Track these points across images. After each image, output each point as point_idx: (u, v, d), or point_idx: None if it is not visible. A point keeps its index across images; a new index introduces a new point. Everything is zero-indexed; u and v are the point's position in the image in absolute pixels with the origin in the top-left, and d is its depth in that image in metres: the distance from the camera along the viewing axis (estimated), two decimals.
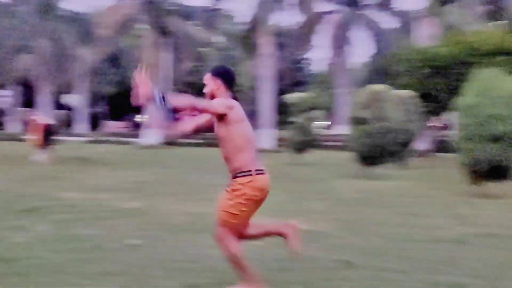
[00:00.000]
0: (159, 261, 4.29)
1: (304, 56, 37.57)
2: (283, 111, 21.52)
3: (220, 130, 3.40)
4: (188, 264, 4.24)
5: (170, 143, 20.95)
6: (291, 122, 13.83)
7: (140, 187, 8.86)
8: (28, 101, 33.54)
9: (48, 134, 13.23)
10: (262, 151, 17.10)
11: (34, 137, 13.32)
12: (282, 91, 20.80)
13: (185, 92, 31.52)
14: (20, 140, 24.31)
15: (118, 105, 39.19)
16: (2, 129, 32.11)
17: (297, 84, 32.96)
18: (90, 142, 23.06)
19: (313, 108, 13.96)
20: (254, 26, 17.87)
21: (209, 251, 4.65)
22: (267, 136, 18.08)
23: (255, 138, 3.58)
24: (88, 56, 23.95)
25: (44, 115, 13.59)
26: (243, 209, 3.35)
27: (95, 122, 35.17)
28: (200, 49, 29.05)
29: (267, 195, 3.43)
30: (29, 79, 28.18)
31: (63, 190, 8.37)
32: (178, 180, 10.10)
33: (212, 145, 20.81)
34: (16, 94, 31.69)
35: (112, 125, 37.21)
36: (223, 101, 3.37)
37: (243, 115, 3.45)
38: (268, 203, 7.34)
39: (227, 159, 3.42)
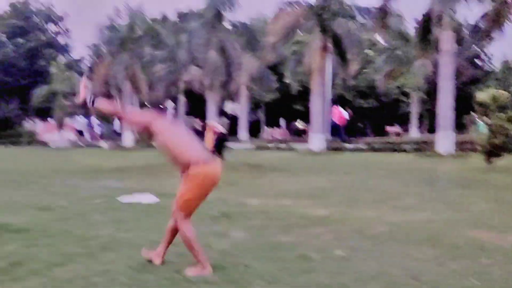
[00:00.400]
0: (372, 275, 4.01)
1: (484, 51, 34.70)
2: (461, 112, 20.01)
3: (155, 139, 4.02)
4: (406, 279, 3.90)
5: (334, 148, 20.76)
6: (480, 123, 12.62)
7: (321, 194, 8.72)
8: (192, 110, 36.18)
9: (221, 141, 13.87)
10: (440, 155, 16.08)
11: (208, 144, 14.05)
12: (459, 90, 19.29)
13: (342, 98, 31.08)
14: None
15: (276, 111, 40.22)
16: None
17: (475, 82, 30.50)
18: (253, 148, 23.86)
19: (504, 107, 12.59)
20: (431, 21, 16.79)
21: (426, 266, 4.26)
22: (446, 139, 16.81)
23: (190, 136, 4.09)
24: (251, 64, 24.94)
25: (218, 123, 14.29)
26: (195, 193, 3.98)
27: (254, 129, 36.52)
28: (366, 51, 28.53)
29: (217, 182, 4.03)
30: (194, 89, 30.34)
31: (246, 196, 8.58)
32: (358, 186, 9.77)
33: (377, 150, 20.23)
34: (181, 104, 34.34)
35: (271, 132, 38.24)
36: (143, 113, 4.15)
37: (169, 123, 4.07)
38: (469, 212, 6.57)
39: (172, 163, 4.05)
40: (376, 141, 23.70)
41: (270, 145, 24.99)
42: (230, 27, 24.24)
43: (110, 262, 4.56)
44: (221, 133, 14.01)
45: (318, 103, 20.18)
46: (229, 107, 38.93)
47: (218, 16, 22.52)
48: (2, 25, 37.83)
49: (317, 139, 20.16)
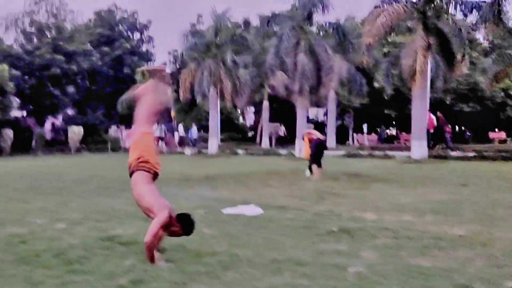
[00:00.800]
0: None
1: None
2: None
3: None
4: None
5: (436, 156, 19.70)
6: None
7: (445, 209, 8.01)
8: (276, 116, 36.03)
9: (319, 148, 13.42)
10: None
11: (307, 152, 13.71)
12: None
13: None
14: (274, 154, 25.96)
15: (365, 117, 39.20)
16: (255, 144, 35.18)
17: None
18: (344, 156, 23.17)
19: None
20: None
21: None
22: None
23: None
24: (341, 67, 24.32)
25: (315, 130, 13.90)
26: None
27: (341, 135, 35.72)
28: (471, 51, 26.90)
29: None
30: (279, 95, 30.18)
31: (358, 209, 8.07)
32: (485, 200, 8.91)
33: (485, 159, 18.89)
34: (265, 110, 34.26)
35: (359, 138, 37.33)
36: None
37: None
38: None
39: None
40: (484, 148, 22.35)
41: (362, 152, 24.20)
42: (320, 29, 23.83)
43: (235, 283, 4.27)
44: (319, 140, 13.56)
45: (420, 107, 19.19)
46: (313, 112, 38.47)
47: (309, 18, 22.22)
48: (88, 34, 39.70)
49: (419, 146, 19.14)
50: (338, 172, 14.33)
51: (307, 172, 13.53)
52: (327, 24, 23.26)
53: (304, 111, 24.20)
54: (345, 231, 6.29)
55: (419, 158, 18.49)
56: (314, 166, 13.20)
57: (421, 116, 19.18)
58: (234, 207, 8.31)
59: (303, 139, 14.43)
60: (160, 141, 33.11)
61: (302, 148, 22.82)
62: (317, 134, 13.75)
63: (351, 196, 9.83)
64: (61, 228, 6.44)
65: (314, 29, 23.73)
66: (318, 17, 23.45)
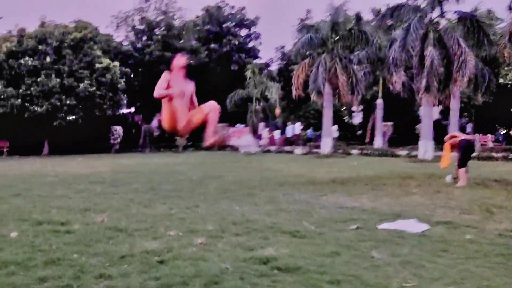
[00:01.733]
0: None
1: None
2: None
3: None
4: None
5: None
6: None
7: None
8: (390, 115, 33.93)
9: (468, 151, 11.76)
10: None
11: (446, 160, 12.19)
12: None
13: None
14: (392, 155, 24.11)
15: (488, 116, 36.23)
16: (364, 143, 33.46)
17: None
18: (474, 158, 21.01)
19: None
20: None
21: None
22: None
23: None
24: (470, 61, 21.94)
25: (460, 132, 12.37)
26: None
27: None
28: None
29: None
30: (394, 91, 28.21)
31: None
32: None
33: None
34: (379, 108, 32.31)
35: (482, 139, 34.43)
36: None
37: None
38: None
39: None
40: None
41: (496, 155, 21.88)
42: (448, 20, 21.82)
43: None
44: (467, 141, 11.89)
45: None
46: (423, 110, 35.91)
47: (438, 7, 20.48)
48: (196, 30, 39.75)
49: None
50: (483, 178, 12.55)
51: (449, 177, 11.99)
52: (459, 14, 21.06)
53: (429, 109, 22.21)
54: None
55: None
56: (461, 171, 11.54)
57: None
58: (390, 222, 7.02)
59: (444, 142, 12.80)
60: (259, 139, 32.53)
61: (428, 150, 21.00)
62: (462, 135, 12.14)
63: None
64: (200, 244, 5.50)
65: (443, 20, 21.68)
66: (447, 7, 21.53)
